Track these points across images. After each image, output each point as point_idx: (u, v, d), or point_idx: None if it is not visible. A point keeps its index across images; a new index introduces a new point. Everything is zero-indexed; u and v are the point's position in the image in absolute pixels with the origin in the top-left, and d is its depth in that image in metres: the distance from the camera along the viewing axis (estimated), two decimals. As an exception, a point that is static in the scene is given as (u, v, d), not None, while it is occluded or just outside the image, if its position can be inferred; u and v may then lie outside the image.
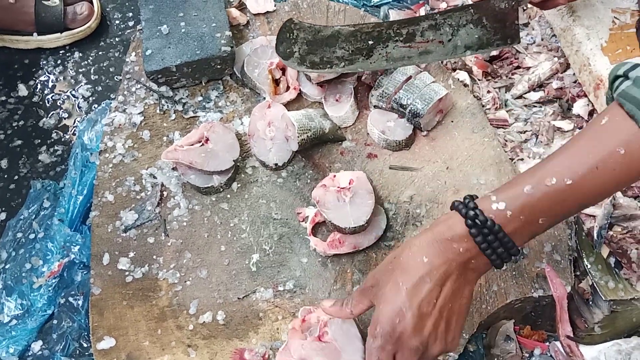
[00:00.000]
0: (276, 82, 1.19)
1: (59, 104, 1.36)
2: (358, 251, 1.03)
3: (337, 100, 1.17)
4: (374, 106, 1.15)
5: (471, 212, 0.77)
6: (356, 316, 0.87)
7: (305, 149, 1.14)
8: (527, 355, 1.04)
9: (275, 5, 1.31)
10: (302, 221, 1.06)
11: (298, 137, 1.08)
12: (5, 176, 1.26)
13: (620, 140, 0.73)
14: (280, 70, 1.20)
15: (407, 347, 0.80)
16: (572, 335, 1.01)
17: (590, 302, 1.05)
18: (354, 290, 0.95)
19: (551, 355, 1.03)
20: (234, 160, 1.10)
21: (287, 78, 1.20)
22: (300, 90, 1.19)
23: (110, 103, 1.25)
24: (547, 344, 1.04)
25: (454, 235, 0.78)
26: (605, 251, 1.10)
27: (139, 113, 1.18)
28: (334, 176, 1.06)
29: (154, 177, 1.11)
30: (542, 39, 1.37)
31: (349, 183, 1.05)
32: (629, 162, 0.73)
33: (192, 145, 1.10)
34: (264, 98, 1.19)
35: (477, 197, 0.80)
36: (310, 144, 1.12)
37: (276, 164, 1.11)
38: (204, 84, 1.21)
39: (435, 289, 0.78)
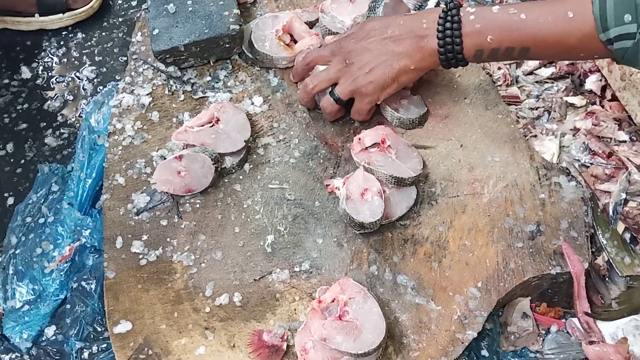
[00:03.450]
0: (288, 45, 1.18)
1: (63, 86, 1.34)
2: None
3: None
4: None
5: (449, 1, 0.95)
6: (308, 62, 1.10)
7: (316, 129, 1.13)
8: (544, 332, 1.04)
9: (282, -18, 1.29)
10: (331, 192, 1.06)
11: None
12: (12, 160, 1.25)
13: (573, 6, 0.86)
14: (288, 35, 1.20)
15: (338, 56, 1.03)
16: (589, 312, 1.01)
17: (607, 278, 1.05)
18: None
19: (568, 332, 1.03)
20: (245, 141, 1.09)
21: (296, 37, 1.20)
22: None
23: (117, 84, 1.24)
24: (564, 320, 1.04)
25: (429, 15, 0.98)
26: (620, 227, 1.09)
27: (147, 94, 1.16)
28: (360, 139, 1.07)
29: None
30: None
31: (382, 142, 1.06)
32: (571, 26, 0.86)
33: (202, 126, 1.09)
34: (275, 77, 1.17)
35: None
36: None
37: None
38: (212, 64, 1.20)
39: (389, 38, 0.99)
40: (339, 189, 1.05)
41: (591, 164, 1.14)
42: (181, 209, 1.06)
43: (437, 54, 0.97)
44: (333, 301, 0.94)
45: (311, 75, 1.08)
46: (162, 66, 1.17)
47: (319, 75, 1.06)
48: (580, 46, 0.88)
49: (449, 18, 0.94)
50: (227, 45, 1.16)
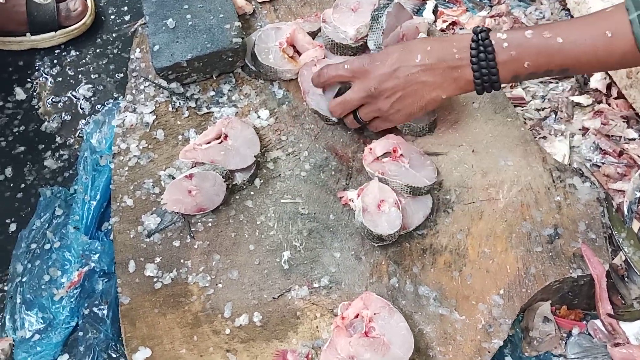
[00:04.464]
0: (292, 57, 1.16)
1: (59, 107, 1.30)
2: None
3: None
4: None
5: (479, 30, 0.91)
6: (326, 81, 1.07)
7: (326, 140, 1.11)
8: (565, 335, 1.03)
9: (280, -8, 1.27)
10: (345, 205, 1.04)
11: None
12: (11, 185, 1.21)
13: (611, 25, 0.86)
14: (291, 47, 1.18)
15: (363, 83, 0.99)
16: (612, 313, 1.01)
17: (626, 278, 1.04)
18: None
19: (589, 334, 1.02)
20: (255, 156, 1.06)
21: (300, 48, 1.18)
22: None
23: (118, 103, 1.21)
24: (585, 322, 1.04)
25: (459, 44, 0.94)
26: (635, 226, 1.09)
27: (150, 112, 1.14)
28: (370, 149, 1.05)
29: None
30: (551, 14, 1.35)
31: (394, 151, 1.05)
32: (612, 45, 0.86)
33: (210, 142, 1.06)
34: (280, 88, 1.16)
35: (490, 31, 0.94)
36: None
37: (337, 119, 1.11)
38: (215, 78, 1.17)
39: (419, 67, 0.95)
40: (353, 201, 1.03)
41: (603, 163, 1.14)
42: (193, 229, 1.04)
43: (472, 84, 0.95)
44: (356, 317, 0.92)
45: (336, 101, 1.06)
46: (164, 83, 1.15)
47: (344, 102, 1.04)
48: (621, 62, 0.89)
49: (481, 48, 0.91)
50: (230, 59, 1.14)
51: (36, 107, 1.31)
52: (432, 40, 0.98)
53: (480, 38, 0.91)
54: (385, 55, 0.98)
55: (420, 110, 1.00)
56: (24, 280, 1.09)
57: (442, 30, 1.33)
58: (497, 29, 0.92)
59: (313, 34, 1.19)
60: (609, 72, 1.21)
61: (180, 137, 1.12)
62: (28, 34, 1.35)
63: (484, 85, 0.94)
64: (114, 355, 1.03)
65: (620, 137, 1.16)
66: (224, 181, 1.02)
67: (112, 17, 1.43)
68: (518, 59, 0.90)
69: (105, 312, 1.06)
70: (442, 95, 0.97)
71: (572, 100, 1.22)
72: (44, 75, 1.35)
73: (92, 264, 1.08)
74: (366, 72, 0.99)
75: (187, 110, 1.14)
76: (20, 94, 1.32)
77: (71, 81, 1.34)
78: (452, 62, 0.94)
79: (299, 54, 1.17)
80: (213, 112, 1.14)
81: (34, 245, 1.12)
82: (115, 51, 1.38)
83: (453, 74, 0.94)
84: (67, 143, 1.26)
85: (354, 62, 1.01)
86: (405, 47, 0.98)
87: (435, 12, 1.40)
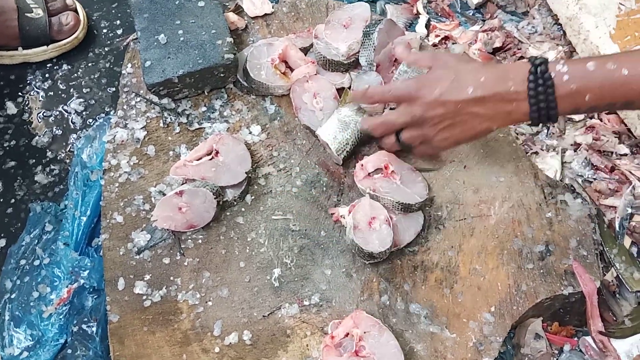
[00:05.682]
0: (284, 73, 1.16)
1: (51, 121, 1.30)
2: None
3: None
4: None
5: (538, 62, 0.86)
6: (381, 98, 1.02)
7: (317, 156, 1.11)
8: (557, 352, 1.03)
9: (272, 7, 1.27)
10: (336, 221, 1.04)
11: (338, 156, 1.07)
12: (1, 200, 1.20)
13: None
14: (283, 63, 1.17)
15: (408, 107, 0.95)
16: (603, 331, 1.00)
17: (617, 295, 1.04)
18: None
19: (581, 350, 1.02)
20: (246, 172, 1.06)
21: (292, 64, 1.18)
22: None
23: (109, 118, 1.20)
24: (576, 339, 1.03)
25: (515, 75, 0.87)
26: (627, 242, 1.09)
27: (141, 128, 1.13)
28: (362, 165, 1.05)
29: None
30: (543, 28, 1.35)
31: (385, 167, 1.05)
32: None
33: (200, 159, 1.06)
34: (272, 104, 1.15)
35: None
36: (353, 149, 1.09)
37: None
38: (206, 94, 1.17)
39: (470, 99, 0.89)
40: (344, 218, 1.03)
41: (594, 179, 1.14)
42: (183, 246, 1.03)
43: (527, 117, 0.88)
44: (347, 335, 0.91)
45: (378, 120, 1.02)
46: (155, 98, 1.14)
47: (385, 122, 1.01)
48: None
49: (540, 81, 0.85)
50: (221, 75, 1.14)
51: (27, 121, 1.30)
52: (485, 69, 0.90)
53: (539, 71, 0.85)
54: (435, 82, 0.92)
55: (469, 140, 0.96)
56: (12, 296, 1.08)
57: (434, 45, 1.33)
58: (556, 61, 0.85)
59: (305, 50, 1.19)
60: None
61: (171, 153, 1.11)
62: (20, 48, 1.34)
63: (540, 118, 0.87)
64: (103, 373, 1.02)
65: (612, 152, 1.16)
66: (215, 198, 1.02)
67: (104, 31, 1.42)
68: (579, 92, 0.84)
69: (94, 329, 1.05)
70: (493, 127, 0.92)
71: (564, 116, 1.22)
72: (36, 89, 1.34)
73: (82, 281, 1.07)
74: (412, 98, 0.94)
75: (178, 126, 1.14)
76: (11, 108, 1.31)
77: (63, 95, 1.33)
78: (507, 95, 0.87)
79: (291, 69, 1.17)
80: (204, 128, 1.13)
81: (23, 262, 1.12)
82: (107, 65, 1.38)
83: (507, 107, 0.88)
84: (58, 158, 1.25)
85: (399, 88, 0.97)
86: (456, 75, 0.91)
87: (427, 26, 1.40)
